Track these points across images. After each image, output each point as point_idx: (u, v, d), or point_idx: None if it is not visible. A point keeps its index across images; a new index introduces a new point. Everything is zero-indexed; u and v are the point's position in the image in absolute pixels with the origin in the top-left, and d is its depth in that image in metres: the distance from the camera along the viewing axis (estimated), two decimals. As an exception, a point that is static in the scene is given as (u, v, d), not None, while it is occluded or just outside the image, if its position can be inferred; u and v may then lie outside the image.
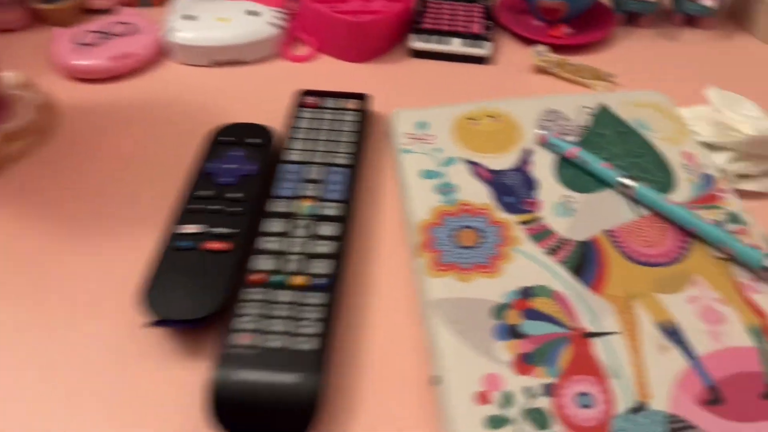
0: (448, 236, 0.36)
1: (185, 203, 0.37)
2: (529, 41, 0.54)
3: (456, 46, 0.52)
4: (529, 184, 0.39)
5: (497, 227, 0.37)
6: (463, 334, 0.32)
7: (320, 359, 0.30)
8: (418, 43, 0.53)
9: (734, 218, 0.37)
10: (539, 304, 0.33)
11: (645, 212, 0.37)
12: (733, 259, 0.35)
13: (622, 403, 0.29)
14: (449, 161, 0.40)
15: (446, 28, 0.53)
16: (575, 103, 0.44)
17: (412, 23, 0.54)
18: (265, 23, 0.52)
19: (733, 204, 0.38)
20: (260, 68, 0.51)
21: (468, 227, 0.37)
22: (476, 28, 0.53)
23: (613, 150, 0.41)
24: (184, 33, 0.50)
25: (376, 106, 0.46)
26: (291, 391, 0.29)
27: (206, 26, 0.51)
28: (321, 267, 0.33)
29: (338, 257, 0.34)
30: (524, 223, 0.37)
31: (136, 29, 0.51)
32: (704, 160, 0.41)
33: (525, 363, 0.31)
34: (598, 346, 0.31)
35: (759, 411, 0.29)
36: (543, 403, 0.29)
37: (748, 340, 0.32)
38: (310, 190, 0.38)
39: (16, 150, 0.42)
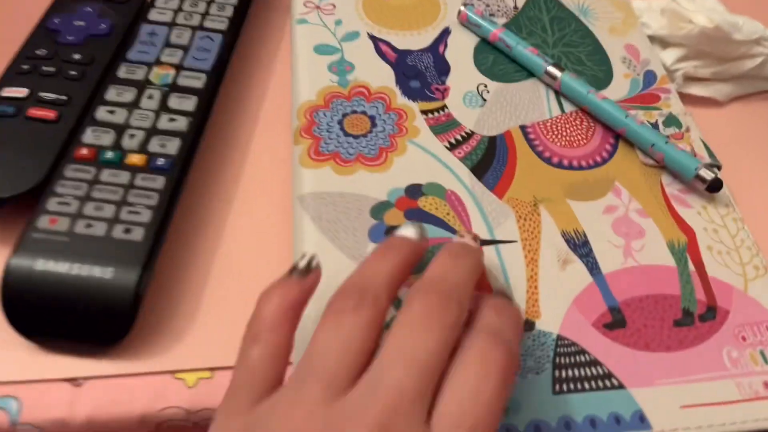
0: (334, 122, 0.30)
1: (15, 63, 0.30)
2: None
3: None
4: (441, 67, 0.33)
5: (395, 114, 0.31)
6: (332, 234, 0.26)
7: (145, 253, 0.24)
8: None
9: (672, 121, 0.31)
10: (427, 204, 0.27)
11: (571, 108, 0.32)
12: (663, 166, 0.30)
13: (506, 321, 0.24)
14: (350, 36, 0.34)
15: None
16: (511, -19, 0.38)
17: None
18: None
19: (674, 106, 0.32)
20: None
21: (359, 112, 0.30)
22: None
23: (545, 36, 0.35)
24: None
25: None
26: (103, 289, 0.23)
27: None
28: (165, 146, 0.27)
29: (189, 136, 0.28)
30: (428, 112, 0.31)
31: None
32: (649, 55, 0.35)
33: (398, 270, 0.25)
34: (488, 256, 0.26)
35: (666, 340, 0.25)
36: (412, 317, 0.24)
37: (668, 259, 0.27)
38: (170, 55, 0.31)
39: None
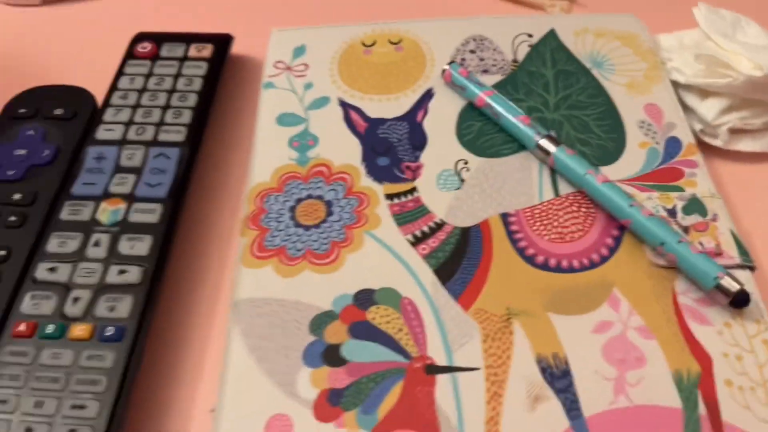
0: (286, 208, 0.26)
1: None
2: None
3: None
4: (416, 140, 0.28)
5: (355, 199, 0.27)
6: (262, 352, 0.23)
7: None
8: None
9: (695, 206, 0.26)
10: (378, 316, 0.23)
11: (568, 189, 0.27)
12: (677, 269, 0.24)
13: (451, 480, 0.20)
14: (319, 102, 0.30)
15: None
16: (514, 29, 0.33)
17: None
18: None
19: (701, 185, 0.26)
20: (110, 4, 0.38)
21: (315, 197, 0.27)
22: None
23: (547, 97, 0.30)
24: None
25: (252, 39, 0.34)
26: None
27: None
28: (115, 308, 0.23)
29: (142, 289, 0.23)
30: (393, 196, 0.27)
31: None
32: (674, 118, 0.29)
33: (330, 404, 0.21)
34: (442, 388, 0.22)
35: (661, 508, 0.19)
36: (340, 468, 0.20)
37: (672, 398, 0.21)
38: (120, 184, 0.26)
39: None
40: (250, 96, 0.32)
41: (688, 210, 0.25)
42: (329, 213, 0.26)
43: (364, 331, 0.23)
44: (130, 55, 0.32)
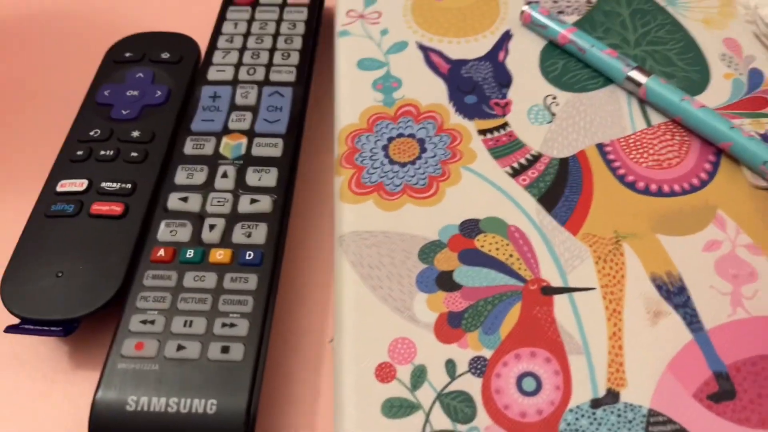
0: (379, 147, 0.26)
1: (67, 148, 0.27)
2: None
3: None
4: (501, 78, 0.28)
5: (447, 136, 0.27)
6: (374, 281, 0.23)
7: (249, 375, 0.21)
8: None
9: (789, 131, 0.26)
10: (486, 243, 0.23)
11: (659, 120, 0.27)
12: (779, 188, 0.24)
13: (583, 391, 0.20)
14: (398, 47, 0.30)
15: None
16: (583, -28, 0.33)
17: None
18: None
19: (791, 111, 0.27)
20: None
21: (406, 136, 0.27)
22: None
23: (626, 34, 0.30)
24: None
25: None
26: (209, 426, 0.20)
27: None
28: (251, 234, 0.24)
29: (275, 218, 0.24)
30: (486, 131, 0.27)
31: None
32: (754, 51, 0.29)
33: (451, 326, 0.22)
34: (560, 307, 0.22)
35: (790, 413, 0.20)
36: (469, 385, 0.20)
37: (788, 307, 0.22)
38: (238, 121, 0.27)
39: None
40: (330, 42, 0.32)
41: (782, 134, 0.26)
42: (423, 150, 0.26)
43: (474, 257, 0.23)
44: (230, 1, 0.32)
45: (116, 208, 0.24)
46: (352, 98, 0.28)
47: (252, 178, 0.25)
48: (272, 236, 0.24)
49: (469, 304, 0.22)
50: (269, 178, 0.25)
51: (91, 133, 0.27)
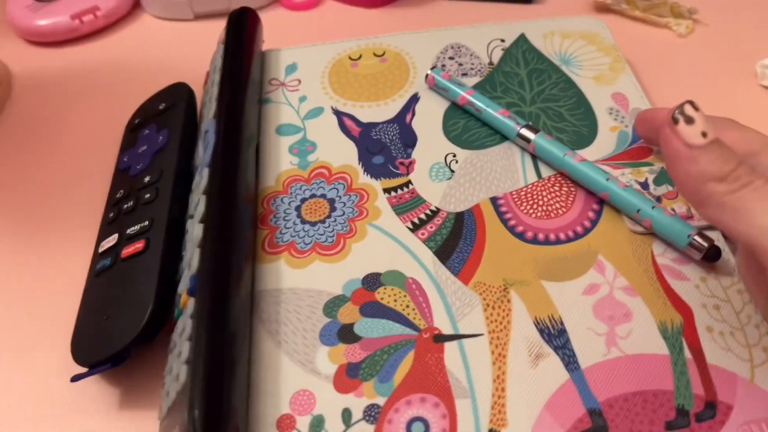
0: (292, 208, 0.28)
1: (105, 215, 0.30)
2: None
3: None
4: (407, 139, 0.31)
5: (356, 195, 0.29)
6: (281, 337, 0.24)
7: None
8: None
9: (664, 178, 0.28)
10: (386, 295, 0.25)
11: (549, 172, 0.29)
12: (653, 233, 0.26)
13: (467, 433, 0.22)
14: (314, 112, 0.32)
15: None
16: (487, 36, 0.35)
17: None
18: None
19: (668, 159, 0.29)
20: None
21: (318, 196, 0.29)
22: None
23: (522, 93, 0.33)
24: None
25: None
26: None
27: None
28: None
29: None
30: (390, 189, 0.29)
31: None
32: (639, 104, 0.32)
33: (349, 377, 0.23)
34: (450, 354, 0.24)
35: (658, 444, 0.21)
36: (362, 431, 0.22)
37: (660, 346, 0.23)
38: None
39: None
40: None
41: (658, 181, 0.28)
42: (332, 209, 0.28)
43: (374, 309, 0.25)
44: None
45: (139, 246, 0.27)
46: (270, 162, 0.30)
47: None
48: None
49: (367, 355, 0.24)
50: None
51: (117, 196, 0.30)
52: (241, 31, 0.33)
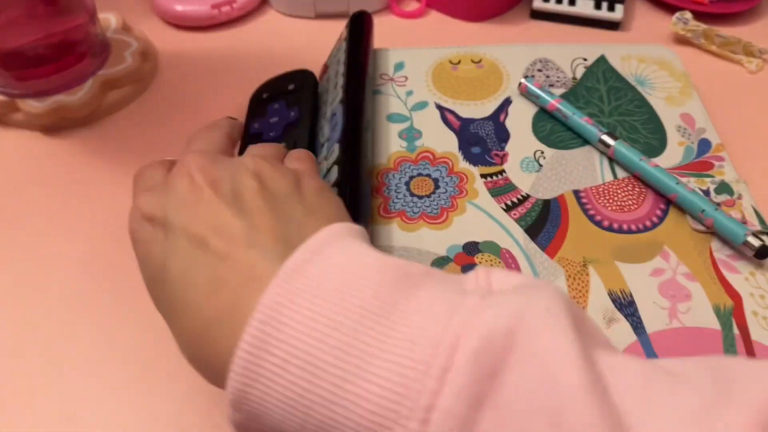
0: (402, 183, 0.33)
1: None
2: (665, 6, 0.48)
3: (585, 8, 0.46)
4: (501, 135, 0.36)
5: (457, 177, 0.34)
6: (395, 284, 0.29)
7: None
8: (541, 4, 0.46)
9: (724, 188, 0.33)
10: (484, 260, 0.30)
11: (623, 174, 0.34)
12: (713, 233, 0.31)
13: (551, 373, 0.27)
14: (419, 105, 0.38)
15: None
16: (571, 54, 0.40)
17: None
18: None
19: (727, 174, 0.34)
20: None
21: (424, 175, 0.34)
22: None
23: (602, 106, 0.37)
24: None
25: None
26: None
27: None
28: None
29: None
30: (487, 176, 0.34)
31: None
32: (704, 125, 0.36)
33: (453, 321, 0.28)
34: (537, 311, 0.28)
35: (708, 398, 0.26)
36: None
37: (713, 322, 0.28)
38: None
39: (115, 99, 0.40)
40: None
41: (718, 191, 0.33)
42: (437, 187, 0.33)
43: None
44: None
45: None
46: (382, 144, 0.36)
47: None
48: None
49: (468, 305, 0.29)
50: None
51: None
52: (361, 30, 0.39)
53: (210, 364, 0.20)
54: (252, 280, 0.20)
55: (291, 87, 0.38)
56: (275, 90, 0.38)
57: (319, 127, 0.36)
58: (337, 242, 0.20)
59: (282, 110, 0.36)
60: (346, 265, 0.19)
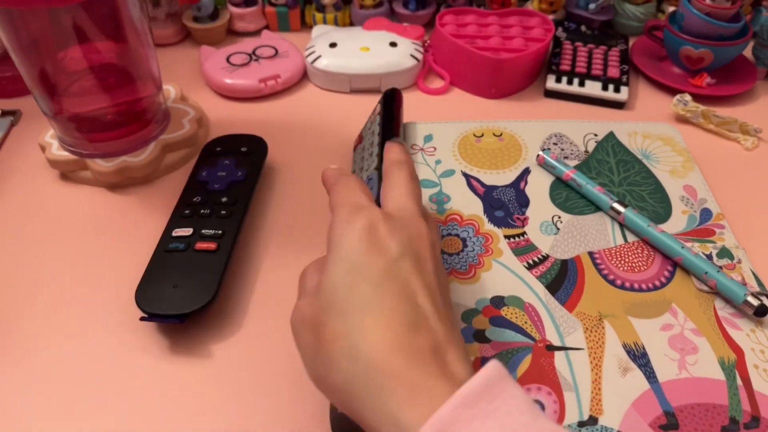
0: (433, 242, 0.37)
1: (178, 209, 0.39)
2: (665, 88, 0.52)
3: (593, 89, 0.51)
4: (522, 200, 0.40)
5: (483, 238, 0.37)
6: (429, 333, 0.33)
7: None
8: (554, 84, 0.51)
9: (725, 253, 0.36)
10: (509, 313, 0.33)
11: (633, 238, 0.38)
12: (716, 293, 0.34)
13: (573, 415, 0.29)
14: (447, 173, 0.42)
15: (583, 70, 0.52)
16: (583, 130, 0.45)
17: (549, 63, 0.54)
18: (404, 55, 0.52)
19: (728, 240, 0.37)
20: None
21: (453, 235, 0.38)
22: (613, 72, 0.52)
23: (612, 177, 0.42)
24: (327, 60, 0.51)
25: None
26: None
27: (348, 54, 0.52)
28: None
29: None
30: (510, 237, 0.38)
31: (281, 53, 0.53)
32: (705, 195, 0.40)
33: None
34: (559, 359, 0.31)
35: (716, 443, 0.29)
36: (494, 406, 0.30)
37: (718, 373, 0.31)
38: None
39: (173, 160, 0.44)
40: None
41: (720, 255, 0.36)
42: (465, 246, 0.37)
43: (500, 322, 0.33)
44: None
45: (212, 246, 0.36)
46: (414, 206, 0.39)
47: None
48: None
49: (496, 353, 0.32)
50: None
51: (194, 199, 0.39)
52: (393, 105, 0.44)
53: None
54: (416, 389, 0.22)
55: (244, 149, 0.43)
56: (229, 147, 0.43)
57: None
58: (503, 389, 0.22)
59: (231, 167, 0.41)
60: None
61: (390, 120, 0.42)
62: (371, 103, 0.50)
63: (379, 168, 0.38)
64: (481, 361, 0.31)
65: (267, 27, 0.59)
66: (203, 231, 0.37)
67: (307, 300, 0.26)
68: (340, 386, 0.23)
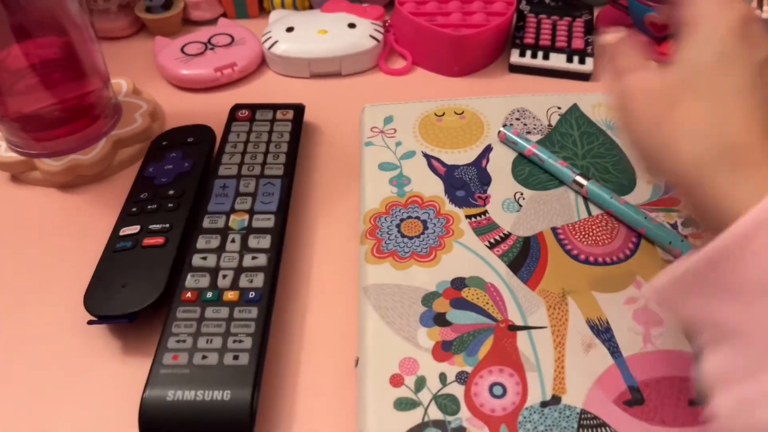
0: (393, 225, 0.36)
1: (126, 208, 0.38)
2: None
3: (558, 62, 0.49)
4: (483, 179, 0.39)
5: (443, 219, 0.37)
6: (389, 318, 0.32)
7: (253, 374, 0.29)
8: (518, 58, 0.50)
9: (691, 222, 0.36)
10: (470, 294, 0.33)
11: (597, 211, 0.37)
12: (681, 262, 0.34)
13: (535, 395, 0.29)
14: (408, 154, 0.41)
15: (547, 43, 0.50)
16: (546, 103, 0.44)
17: (513, 37, 0.52)
18: (363, 36, 0.50)
19: (693, 208, 0.37)
20: (357, 80, 0.50)
21: (414, 218, 0.37)
22: (578, 44, 0.50)
23: (576, 150, 0.41)
24: (284, 45, 0.50)
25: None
26: (225, 409, 0.28)
27: (306, 38, 0.50)
28: (253, 281, 0.33)
29: (270, 268, 0.34)
30: (471, 216, 0.37)
31: (237, 41, 0.51)
32: (671, 164, 0.39)
33: (443, 350, 0.30)
34: (521, 340, 0.31)
35: (682, 417, 0.28)
36: (455, 390, 0.29)
37: (685, 345, 0.30)
38: (242, 203, 0.37)
39: (125, 156, 0.43)
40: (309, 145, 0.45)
41: (686, 224, 0.36)
42: (426, 228, 0.36)
43: (461, 303, 0.32)
44: (233, 118, 0.44)
45: (159, 240, 0.35)
46: (374, 190, 0.38)
47: (252, 242, 0.35)
48: (268, 282, 0.33)
49: (457, 336, 0.31)
50: (265, 242, 0.35)
51: (142, 196, 0.38)
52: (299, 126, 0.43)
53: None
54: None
55: (190, 140, 0.42)
56: (175, 139, 0.42)
57: (210, 204, 0.38)
58: None
59: (177, 159, 0.40)
60: None
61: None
62: (333, 87, 0.50)
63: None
64: (441, 344, 0.30)
65: (224, 15, 0.57)
66: (150, 226, 0.36)
67: (654, 73, 0.26)
68: (683, 159, 0.24)
